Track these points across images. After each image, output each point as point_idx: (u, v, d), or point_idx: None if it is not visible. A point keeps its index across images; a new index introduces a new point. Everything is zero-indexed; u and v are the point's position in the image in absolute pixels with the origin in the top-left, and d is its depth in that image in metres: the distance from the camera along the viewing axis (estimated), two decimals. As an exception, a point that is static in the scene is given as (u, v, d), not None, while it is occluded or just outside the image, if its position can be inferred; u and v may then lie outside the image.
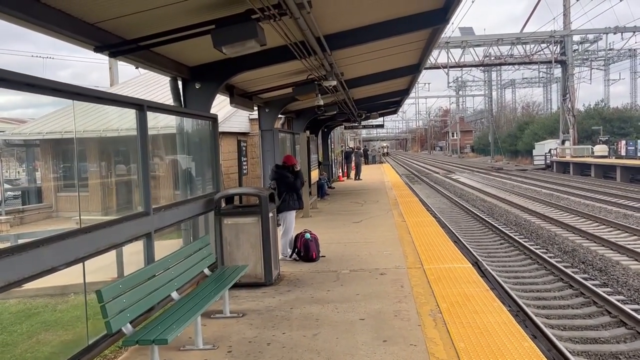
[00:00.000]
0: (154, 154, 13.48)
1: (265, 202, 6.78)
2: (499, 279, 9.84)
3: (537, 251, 12.11)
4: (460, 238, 13.93)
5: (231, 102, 9.68)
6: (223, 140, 14.78)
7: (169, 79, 7.23)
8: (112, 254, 7.25)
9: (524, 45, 41.63)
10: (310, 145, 15.76)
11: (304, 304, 5.95)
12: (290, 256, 8.32)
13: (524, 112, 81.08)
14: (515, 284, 9.88)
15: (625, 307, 7.90)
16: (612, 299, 8.35)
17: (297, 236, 8.32)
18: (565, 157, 41.38)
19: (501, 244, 13.77)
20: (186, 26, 5.34)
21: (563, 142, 43.19)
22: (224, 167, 15.07)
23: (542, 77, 67.13)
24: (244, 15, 4.97)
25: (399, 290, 6.26)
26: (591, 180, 32.43)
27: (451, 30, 38.18)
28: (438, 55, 40.92)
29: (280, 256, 7.95)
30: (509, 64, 44.30)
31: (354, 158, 29.09)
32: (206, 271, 5.73)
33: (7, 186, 21.54)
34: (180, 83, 7.21)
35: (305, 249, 8.14)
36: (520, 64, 44.88)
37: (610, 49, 47.14)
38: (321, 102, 10.97)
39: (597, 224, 15.80)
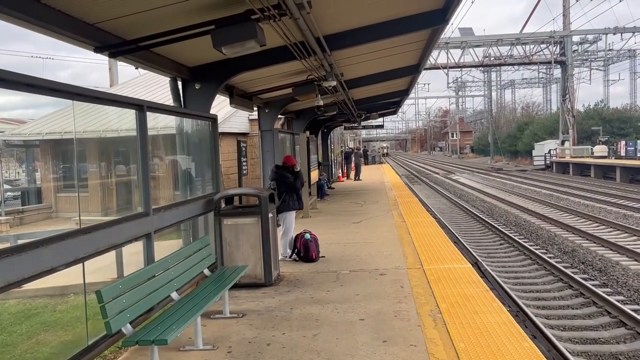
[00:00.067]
0: (154, 154, 13.48)
1: (265, 202, 6.78)
2: (498, 279, 9.84)
3: (536, 251, 12.11)
4: (460, 238, 13.93)
5: (231, 103, 9.68)
6: (223, 141, 14.78)
7: (168, 79, 7.23)
8: (112, 254, 7.25)
9: (523, 46, 41.64)
10: (310, 146, 15.77)
11: (304, 304, 5.95)
12: (290, 256, 8.32)
13: (523, 113, 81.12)
14: (515, 285, 9.88)
15: (625, 308, 7.90)
16: (611, 299, 8.35)
17: (296, 236, 8.32)
18: (564, 157, 41.39)
19: (501, 244, 13.78)
20: (186, 26, 5.34)
21: (563, 143, 43.19)
22: (223, 168, 15.07)
23: (542, 78, 67.16)
24: (244, 16, 4.97)
25: (398, 291, 6.25)
26: (591, 180, 32.45)
27: (451, 30, 38.29)
28: (438, 56, 40.96)
29: (280, 256, 7.95)
30: (509, 64, 44.31)
31: (353, 158, 29.09)
32: (206, 272, 5.73)
33: (6, 187, 21.54)
34: (180, 83, 7.21)
35: (305, 250, 8.14)
36: (519, 64, 44.88)
37: (610, 50, 47.13)
38: (321, 103, 10.97)
39: (596, 224, 15.81)
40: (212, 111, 7.58)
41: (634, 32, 40.62)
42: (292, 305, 5.94)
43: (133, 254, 6.42)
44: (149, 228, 5.29)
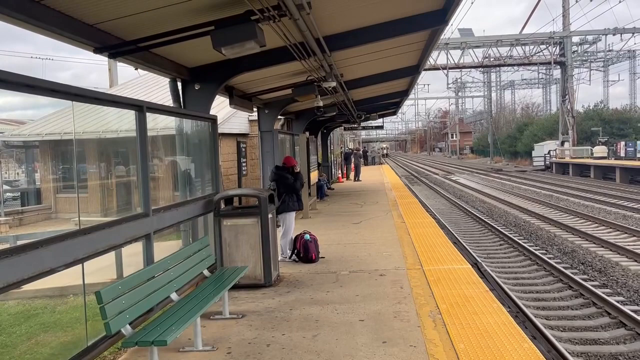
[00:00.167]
0: (154, 155, 13.48)
1: (265, 203, 6.78)
2: (498, 280, 9.84)
3: (536, 252, 12.10)
4: (459, 239, 13.93)
5: (231, 103, 9.68)
6: (222, 142, 14.78)
7: (168, 80, 7.23)
8: (112, 255, 7.25)
9: (523, 47, 41.67)
10: (309, 147, 15.77)
11: (304, 305, 5.95)
12: (290, 257, 8.32)
13: (523, 113, 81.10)
14: (514, 285, 9.88)
15: (625, 308, 7.89)
16: (611, 299, 8.35)
17: (296, 237, 8.31)
18: (564, 158, 41.40)
19: (500, 245, 13.77)
20: (185, 27, 5.34)
21: (562, 143, 43.20)
22: (223, 169, 15.07)
23: (542, 78, 67.24)
24: (244, 17, 4.97)
25: (398, 292, 6.25)
26: (590, 181, 32.45)
27: (450, 31, 38.23)
28: (437, 57, 40.97)
29: (280, 257, 7.95)
30: (508, 65, 44.33)
31: (353, 159, 29.10)
32: (205, 272, 5.72)
33: (6, 187, 21.54)
34: (179, 84, 7.22)
35: (304, 250, 8.14)
36: (519, 65, 44.91)
37: (610, 50, 47.16)
38: (321, 104, 10.98)
39: (596, 224, 15.81)
40: (212, 112, 7.58)
41: (633, 33, 40.65)
42: (291, 306, 5.94)
43: (132, 255, 6.41)
44: (149, 229, 5.29)
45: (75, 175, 18.21)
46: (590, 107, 55.93)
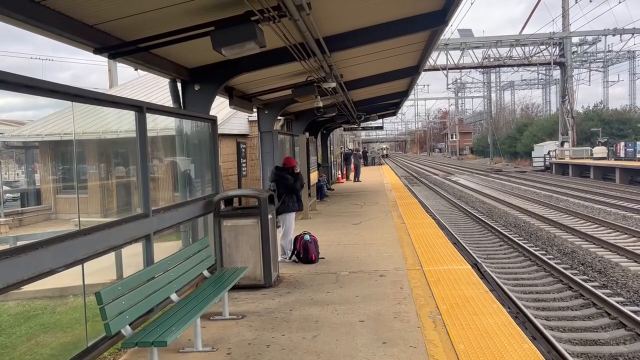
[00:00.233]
0: (153, 155, 13.48)
1: (265, 203, 6.77)
2: (498, 280, 9.83)
3: (536, 253, 12.10)
4: (459, 240, 13.93)
5: (230, 104, 9.68)
6: (222, 142, 14.78)
7: (168, 80, 7.23)
8: (111, 255, 7.25)
9: (522, 47, 41.68)
10: (309, 147, 15.78)
11: (304, 305, 5.95)
12: (290, 258, 8.31)
13: (523, 114, 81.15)
14: (514, 286, 9.87)
15: (625, 309, 7.89)
16: (611, 300, 8.34)
17: (296, 238, 8.31)
18: (564, 158, 41.41)
19: (500, 245, 13.77)
20: (185, 28, 5.34)
21: (562, 144, 43.21)
22: (223, 169, 15.08)
23: (541, 79, 67.21)
24: (243, 17, 4.97)
25: (398, 292, 6.25)
26: (590, 181, 32.46)
27: (450, 32, 38.25)
28: (437, 57, 40.97)
29: (280, 258, 7.95)
30: (508, 65, 44.31)
31: (353, 160, 29.09)
32: (205, 273, 5.72)
33: (6, 188, 21.53)
34: (179, 85, 7.22)
35: (304, 251, 8.13)
36: (519, 65, 44.89)
37: (609, 51, 47.13)
38: (320, 104, 10.99)
39: (596, 225, 15.81)
40: (212, 112, 7.58)
41: (633, 34, 40.65)
42: (291, 306, 5.94)
43: (132, 256, 6.41)
44: (149, 229, 5.29)
45: (75, 176, 18.22)
46: (590, 108, 56.06)
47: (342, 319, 5.41)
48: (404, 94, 18.13)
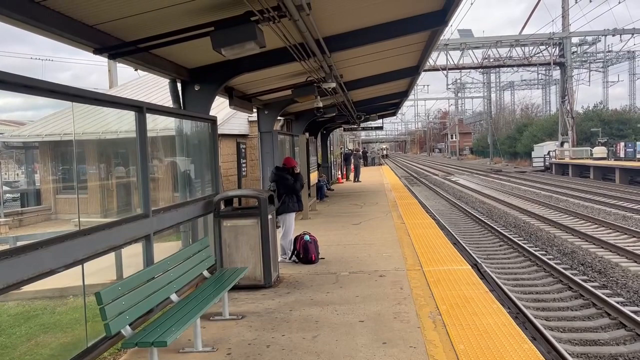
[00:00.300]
0: (153, 156, 13.49)
1: (265, 204, 6.77)
2: (498, 281, 9.83)
3: (536, 253, 12.10)
4: (459, 240, 13.93)
5: (230, 104, 9.68)
6: (222, 142, 14.78)
7: (168, 81, 7.23)
8: (111, 256, 7.25)
9: (522, 47, 41.70)
10: (309, 147, 15.78)
11: (304, 306, 5.95)
12: (290, 258, 8.31)
13: (522, 114, 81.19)
14: (514, 286, 9.87)
15: (625, 309, 7.89)
16: (611, 300, 8.34)
17: (296, 238, 8.31)
18: (564, 159, 41.41)
19: (500, 245, 13.77)
20: (185, 28, 5.35)
21: (562, 144, 43.21)
22: (223, 169, 15.08)
23: (541, 79, 67.21)
24: (243, 17, 4.97)
25: (398, 292, 6.25)
26: (590, 182, 32.47)
27: (450, 32, 38.28)
28: (437, 57, 40.98)
29: (280, 258, 7.95)
30: (508, 66, 44.33)
31: (353, 160, 29.09)
32: (205, 273, 5.72)
33: (6, 188, 21.52)
34: (179, 85, 7.22)
35: (304, 251, 8.13)
36: (519, 66, 44.91)
37: (609, 51, 47.13)
38: (320, 104, 10.99)
39: (596, 225, 15.81)
40: (212, 112, 7.58)
41: (633, 34, 40.65)
42: (291, 306, 5.94)
43: (132, 256, 6.41)
44: (149, 230, 5.29)
45: (75, 176, 18.22)
46: (590, 108, 56.05)
47: (342, 319, 5.41)
48: (403, 94, 18.13)
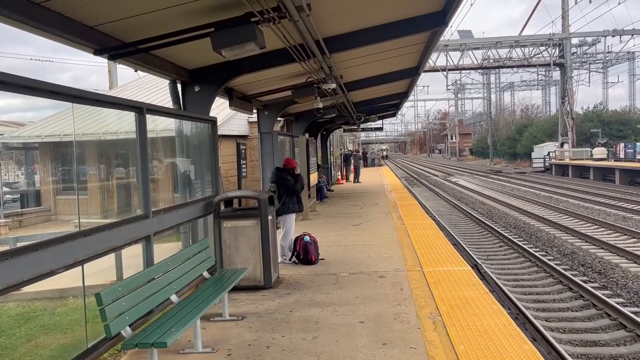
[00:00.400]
0: (153, 156, 13.48)
1: (265, 205, 6.77)
2: (498, 281, 9.83)
3: (536, 254, 12.09)
4: (459, 241, 13.93)
5: (230, 105, 9.69)
6: (222, 143, 14.79)
7: (168, 82, 7.24)
8: (111, 257, 7.24)
9: (522, 48, 41.73)
10: (309, 148, 15.77)
11: (304, 306, 5.94)
12: (290, 259, 8.31)
13: (522, 115, 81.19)
14: (514, 287, 9.87)
15: (625, 310, 7.89)
16: (611, 301, 8.34)
17: (296, 239, 8.31)
18: (564, 159, 41.42)
19: (500, 246, 13.77)
20: (185, 29, 5.35)
21: (562, 145, 43.22)
22: (223, 170, 15.08)
23: (541, 80, 67.20)
24: (243, 18, 4.98)
25: (398, 293, 6.25)
26: (590, 182, 32.47)
27: (450, 33, 38.27)
28: (437, 58, 41.02)
29: (280, 259, 7.94)
30: (508, 66, 44.37)
31: (353, 161, 29.09)
32: (205, 274, 5.72)
33: (6, 189, 21.52)
34: (179, 86, 7.22)
35: (304, 252, 8.13)
36: (519, 66, 44.94)
37: (609, 52, 47.15)
38: (320, 105, 11.00)
39: (596, 226, 15.81)
40: (211, 113, 7.58)
41: (632, 35, 40.69)
42: (291, 307, 5.94)
43: (132, 257, 6.41)
44: (149, 230, 5.29)
45: (75, 177, 18.22)
46: (590, 109, 56.05)
47: (342, 320, 5.41)
48: (403, 95, 18.14)
